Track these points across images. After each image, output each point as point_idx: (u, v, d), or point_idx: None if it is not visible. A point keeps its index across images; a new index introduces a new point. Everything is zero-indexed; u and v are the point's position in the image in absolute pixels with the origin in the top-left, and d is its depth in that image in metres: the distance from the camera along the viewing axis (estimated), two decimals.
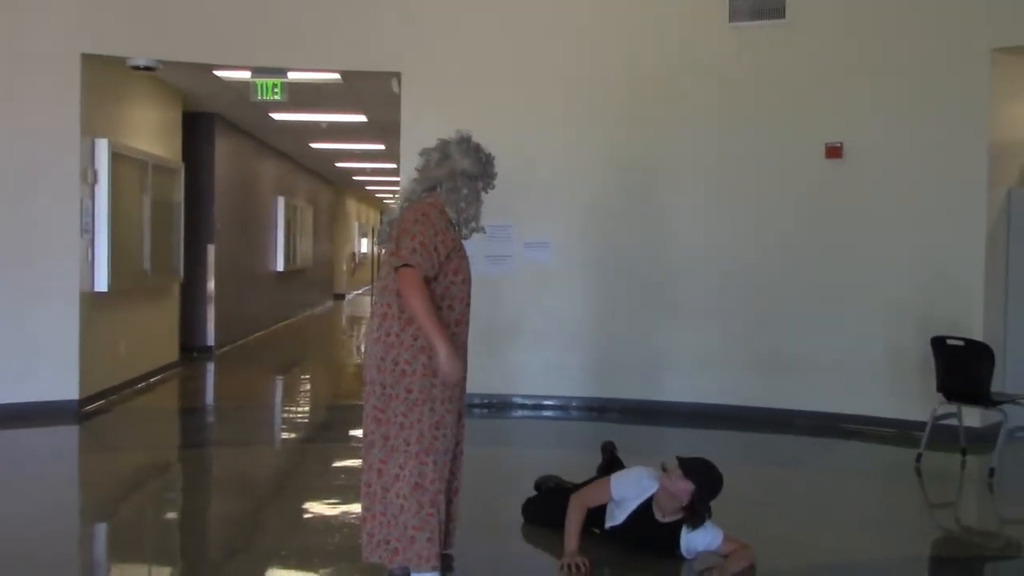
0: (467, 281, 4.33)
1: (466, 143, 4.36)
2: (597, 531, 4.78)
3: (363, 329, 9.10)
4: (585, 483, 5.00)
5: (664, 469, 4.58)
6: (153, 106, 10.19)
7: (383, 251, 4.20)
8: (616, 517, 4.68)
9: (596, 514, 4.74)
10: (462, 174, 4.21)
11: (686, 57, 8.52)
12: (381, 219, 4.24)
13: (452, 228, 4.14)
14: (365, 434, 4.10)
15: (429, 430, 3.98)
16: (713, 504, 4.60)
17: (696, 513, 4.47)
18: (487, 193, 4.32)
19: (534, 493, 5.37)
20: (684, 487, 4.46)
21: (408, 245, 3.91)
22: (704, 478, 4.51)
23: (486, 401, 8.84)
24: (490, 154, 4.39)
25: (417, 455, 3.96)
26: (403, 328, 3.98)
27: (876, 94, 8.05)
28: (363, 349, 4.08)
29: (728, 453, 7.55)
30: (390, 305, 4.02)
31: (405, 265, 3.89)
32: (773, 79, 8.34)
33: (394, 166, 13.61)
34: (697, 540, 4.52)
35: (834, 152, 8.14)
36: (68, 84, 8.16)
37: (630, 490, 4.66)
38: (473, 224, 4.26)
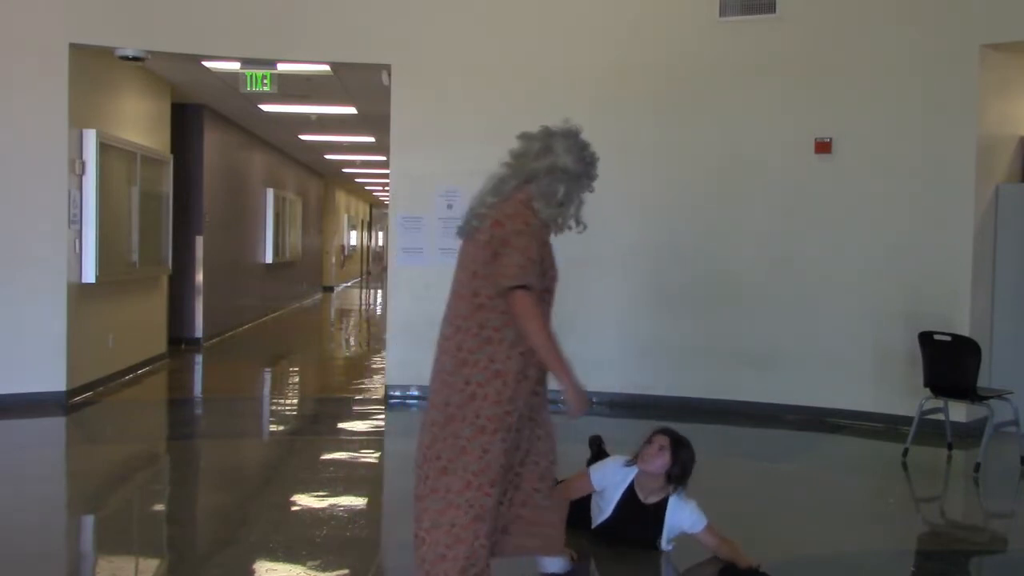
0: (556, 279, 3.95)
1: (572, 138, 3.99)
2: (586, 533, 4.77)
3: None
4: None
5: (635, 458, 4.62)
6: (141, 97, 10.14)
7: (464, 245, 3.80)
8: (604, 511, 4.69)
9: (581, 515, 4.74)
10: (563, 171, 3.84)
11: (676, 51, 8.53)
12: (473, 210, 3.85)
13: (544, 228, 3.78)
14: (420, 447, 3.78)
15: (496, 459, 3.62)
16: (701, 497, 4.62)
17: (682, 473, 4.53)
18: (589, 193, 3.96)
19: None
20: (661, 462, 4.52)
21: (516, 261, 3.54)
22: (676, 436, 4.61)
23: None
24: (595, 153, 4.03)
25: (480, 485, 3.60)
26: (479, 347, 3.61)
27: (866, 89, 8.07)
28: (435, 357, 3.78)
29: (716, 447, 7.57)
30: (467, 317, 3.64)
31: (519, 287, 3.53)
32: (763, 74, 8.35)
33: (384, 158, 13.59)
34: (683, 518, 4.54)
35: (823, 147, 8.16)
36: (56, 74, 8.11)
37: (610, 477, 4.69)
38: (571, 224, 3.86)
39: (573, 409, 3.71)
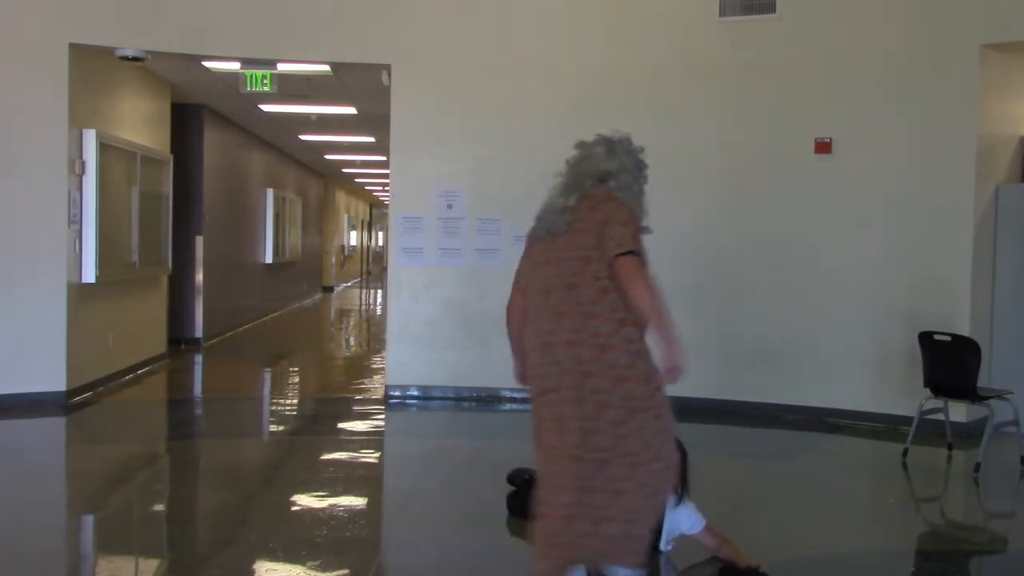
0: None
1: (629, 143, 4.11)
2: None
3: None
4: None
5: None
6: (141, 97, 10.14)
7: (555, 241, 3.74)
8: None
9: None
10: (628, 172, 3.97)
11: (676, 51, 8.53)
12: (560, 206, 3.82)
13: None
14: (556, 446, 3.57)
15: (655, 436, 3.56)
16: (701, 497, 4.61)
17: (683, 482, 4.47)
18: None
19: (527, 489, 5.38)
20: None
21: (622, 232, 3.58)
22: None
23: (475, 394, 8.85)
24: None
25: (648, 462, 3.52)
26: (616, 330, 3.53)
27: (866, 89, 8.07)
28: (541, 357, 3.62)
29: (716, 447, 7.58)
30: (595, 303, 3.54)
31: (628, 252, 3.54)
32: (763, 74, 8.35)
33: (384, 158, 13.59)
34: (681, 520, 4.52)
35: (823, 147, 8.16)
36: (56, 74, 8.12)
37: None
38: (646, 219, 3.92)
39: (673, 373, 3.62)
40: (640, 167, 4.06)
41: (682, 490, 4.50)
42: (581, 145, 4.05)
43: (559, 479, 3.55)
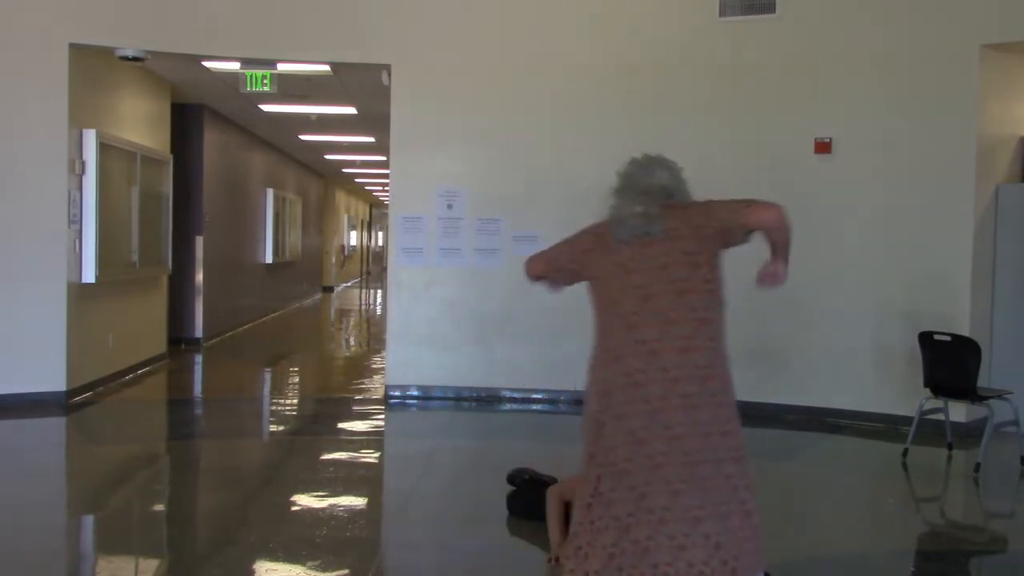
0: None
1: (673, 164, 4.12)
2: None
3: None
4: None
5: None
6: (141, 97, 10.14)
7: (652, 247, 3.64)
8: None
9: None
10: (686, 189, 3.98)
11: (676, 50, 8.53)
12: (644, 214, 3.72)
13: None
14: (665, 452, 3.47)
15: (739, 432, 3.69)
16: None
17: None
18: None
19: (527, 489, 5.38)
20: None
21: (726, 203, 3.77)
22: None
23: (475, 394, 8.85)
24: None
25: (742, 458, 3.63)
26: (723, 335, 3.72)
27: (865, 89, 8.07)
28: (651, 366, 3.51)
29: None
30: (709, 308, 3.63)
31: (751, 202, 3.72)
32: (763, 74, 8.35)
33: (384, 158, 13.59)
34: None
35: (823, 147, 8.16)
36: (56, 74, 8.12)
37: None
38: None
39: (774, 279, 3.91)
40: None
41: None
42: (635, 163, 4.01)
43: (664, 487, 3.43)
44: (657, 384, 3.48)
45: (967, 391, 6.53)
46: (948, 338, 6.68)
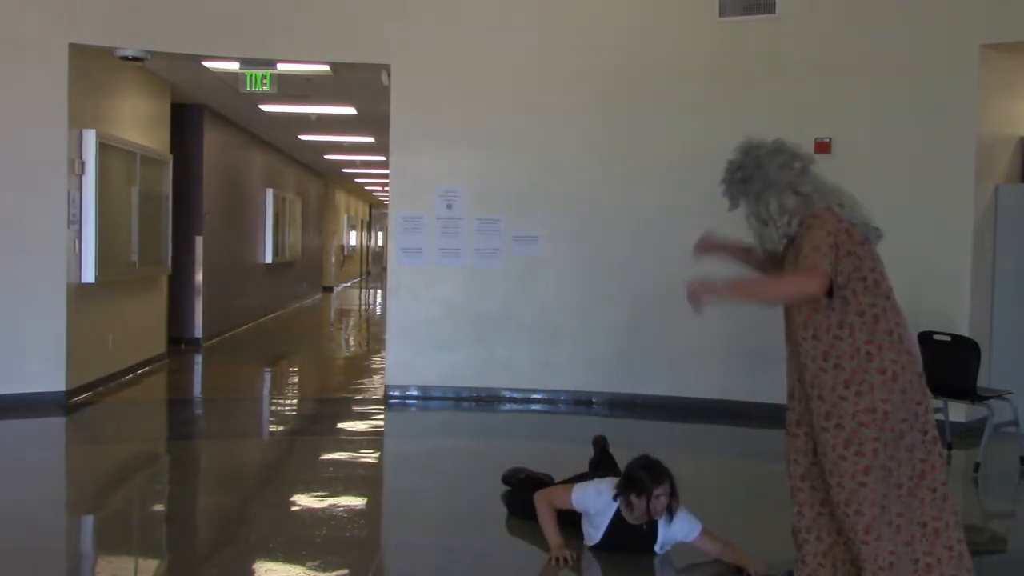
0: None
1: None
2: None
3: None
4: (565, 480, 5.00)
5: (618, 495, 4.51)
6: (141, 97, 10.14)
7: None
8: (593, 536, 4.63)
9: (571, 519, 4.71)
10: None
11: (677, 51, 8.52)
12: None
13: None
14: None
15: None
16: (699, 498, 4.61)
17: (678, 501, 4.47)
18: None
19: (524, 489, 5.39)
20: (663, 505, 4.42)
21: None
22: (667, 473, 4.47)
23: (474, 395, 8.85)
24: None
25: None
26: None
27: (865, 89, 8.07)
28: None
29: (715, 447, 7.60)
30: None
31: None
32: (763, 73, 8.35)
33: (384, 158, 13.59)
34: (675, 530, 4.51)
35: (823, 147, 8.14)
36: (55, 74, 8.11)
37: (592, 503, 4.60)
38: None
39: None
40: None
41: (674, 507, 4.48)
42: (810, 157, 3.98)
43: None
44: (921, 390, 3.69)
45: (967, 391, 6.53)
46: (948, 338, 6.68)
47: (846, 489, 3.51)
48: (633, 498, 4.43)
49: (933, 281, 7.85)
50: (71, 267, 8.33)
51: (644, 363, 8.62)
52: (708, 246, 3.89)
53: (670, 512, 4.45)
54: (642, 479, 4.42)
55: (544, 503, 4.69)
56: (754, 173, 3.83)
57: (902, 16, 7.96)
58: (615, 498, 4.51)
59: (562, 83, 8.69)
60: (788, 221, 3.75)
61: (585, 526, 4.68)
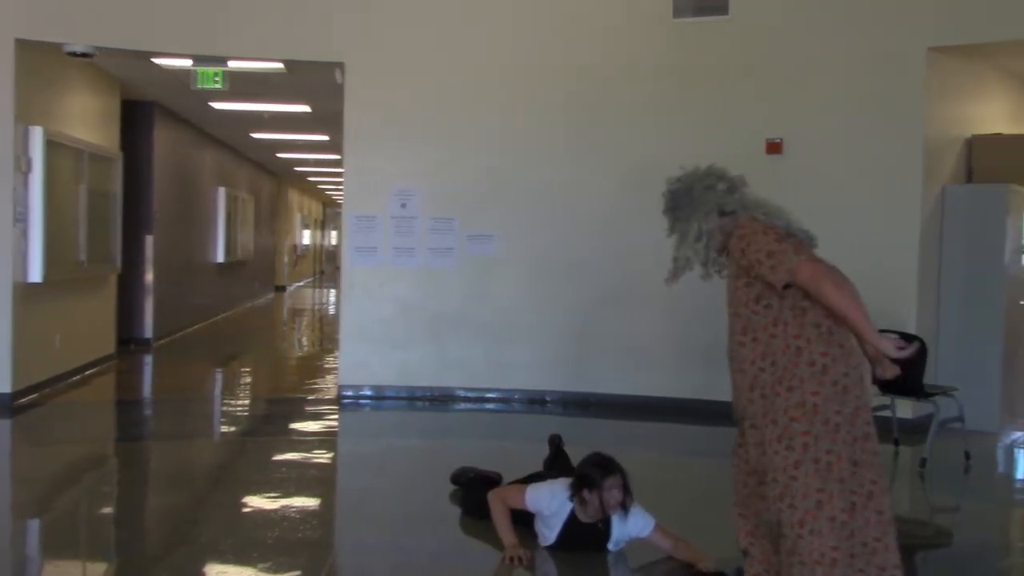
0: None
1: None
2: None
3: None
4: (519, 479, 5.00)
5: (573, 495, 4.53)
6: (90, 94, 9.99)
7: None
8: (547, 537, 4.64)
9: (524, 518, 4.72)
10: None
11: (630, 50, 8.57)
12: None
13: None
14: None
15: None
16: (652, 496, 4.64)
17: (623, 504, 4.49)
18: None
19: (476, 488, 5.39)
20: (617, 499, 4.45)
21: None
22: (618, 467, 4.51)
23: (429, 394, 8.83)
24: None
25: None
26: None
27: (816, 91, 8.17)
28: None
29: (670, 445, 7.65)
30: None
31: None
32: (716, 75, 8.42)
33: (337, 157, 13.51)
34: (629, 526, 4.53)
35: (774, 147, 8.25)
36: (1, 70, 7.96)
37: (544, 504, 4.61)
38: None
39: None
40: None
41: (628, 503, 4.50)
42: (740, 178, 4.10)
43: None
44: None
45: (914, 388, 6.63)
46: (896, 336, 6.77)
47: (780, 483, 3.56)
48: (585, 494, 4.45)
49: (882, 280, 7.94)
50: (17, 266, 8.17)
51: (598, 362, 8.66)
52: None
53: (624, 508, 4.48)
54: (592, 474, 4.47)
55: (498, 502, 4.69)
56: (683, 200, 3.92)
57: (852, 19, 8.06)
58: (571, 498, 4.52)
59: (517, 83, 8.70)
60: (707, 243, 3.85)
61: (539, 526, 4.69)
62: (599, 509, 4.46)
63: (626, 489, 4.47)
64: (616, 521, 4.52)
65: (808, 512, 3.50)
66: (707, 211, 3.89)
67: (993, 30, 7.64)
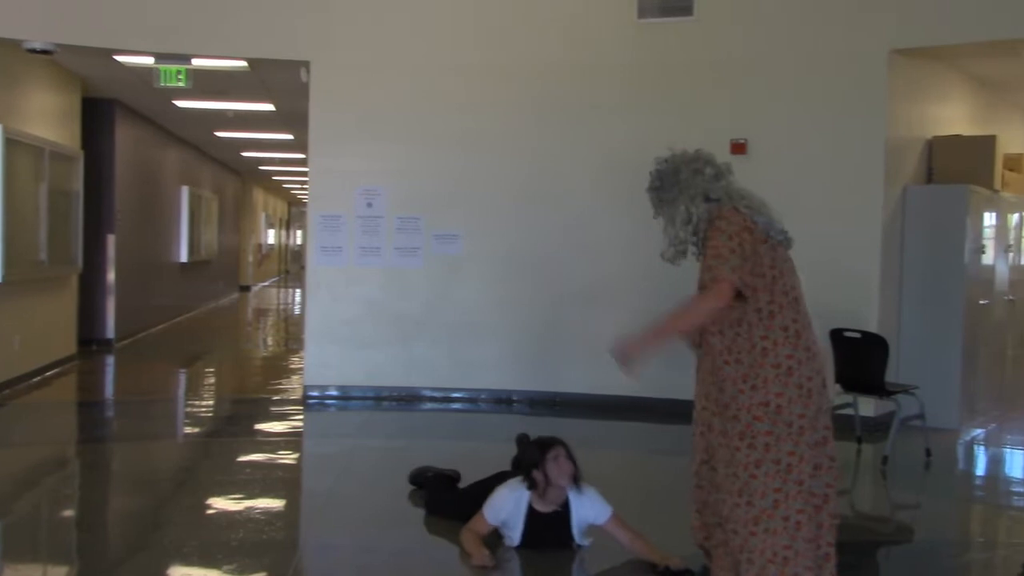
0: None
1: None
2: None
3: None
4: (488, 477, 4.99)
5: (525, 482, 4.57)
6: (50, 91, 9.86)
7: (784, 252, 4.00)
8: (512, 539, 4.64)
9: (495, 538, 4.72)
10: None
11: (594, 51, 8.59)
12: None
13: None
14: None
15: None
16: (617, 494, 4.65)
17: (574, 476, 4.53)
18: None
19: (437, 487, 5.40)
20: (567, 471, 4.50)
21: None
22: (559, 440, 4.59)
23: (394, 394, 8.81)
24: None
25: None
26: None
27: (780, 92, 8.24)
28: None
29: (634, 443, 7.68)
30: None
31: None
32: (680, 75, 8.46)
33: (303, 156, 13.43)
34: (585, 510, 4.56)
35: (739, 148, 8.29)
36: None
37: (501, 508, 4.61)
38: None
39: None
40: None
41: (578, 474, 4.54)
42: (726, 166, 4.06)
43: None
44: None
45: (876, 386, 6.72)
46: (858, 335, 6.86)
47: (740, 479, 3.59)
48: (535, 474, 4.49)
49: (844, 280, 8.04)
50: None
51: (564, 361, 8.67)
52: (633, 349, 3.72)
53: (575, 480, 4.50)
54: (531, 452, 4.54)
55: (469, 533, 4.61)
56: (668, 180, 3.87)
57: (815, 21, 8.14)
58: (528, 488, 4.54)
59: (483, 82, 8.70)
60: (694, 227, 3.83)
61: (504, 531, 4.69)
62: (548, 484, 4.48)
63: (571, 459, 4.51)
64: (573, 500, 4.54)
65: (764, 511, 3.54)
66: (693, 195, 3.88)
67: (954, 33, 7.76)
